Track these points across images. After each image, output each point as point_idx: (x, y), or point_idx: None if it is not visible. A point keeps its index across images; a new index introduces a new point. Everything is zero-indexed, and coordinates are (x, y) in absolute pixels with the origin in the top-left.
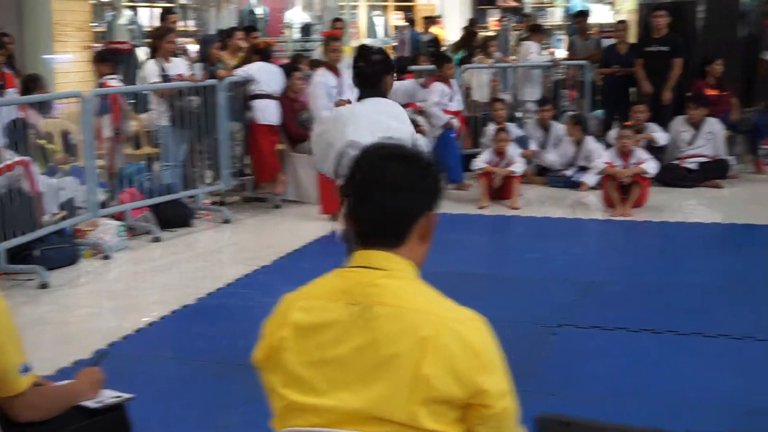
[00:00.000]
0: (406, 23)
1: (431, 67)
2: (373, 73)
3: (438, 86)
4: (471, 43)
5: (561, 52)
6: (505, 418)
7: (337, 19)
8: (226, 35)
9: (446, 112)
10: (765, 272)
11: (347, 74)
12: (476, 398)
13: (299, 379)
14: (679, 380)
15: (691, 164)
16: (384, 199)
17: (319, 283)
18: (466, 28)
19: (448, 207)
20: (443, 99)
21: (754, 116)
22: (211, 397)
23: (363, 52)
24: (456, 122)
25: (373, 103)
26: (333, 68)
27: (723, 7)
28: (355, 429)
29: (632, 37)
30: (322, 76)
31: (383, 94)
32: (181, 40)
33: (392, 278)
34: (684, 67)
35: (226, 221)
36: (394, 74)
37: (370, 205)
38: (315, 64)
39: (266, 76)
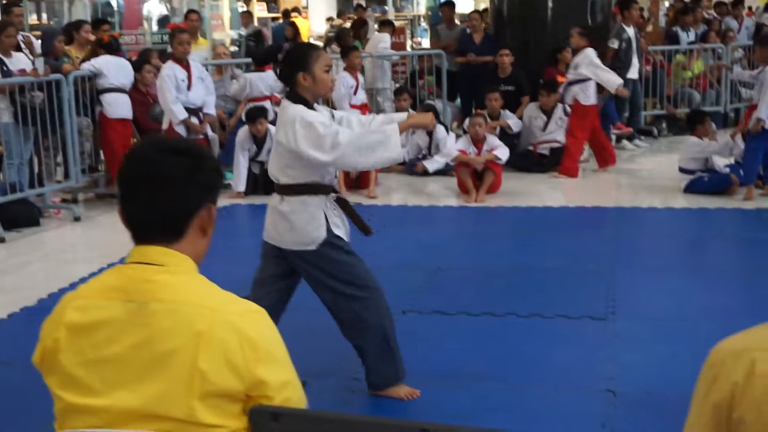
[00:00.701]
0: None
1: None
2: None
3: (345, 77)
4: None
5: (426, 42)
6: None
7: (192, 11)
8: (72, 28)
9: (351, 106)
10: (607, 253)
11: (195, 67)
12: (256, 390)
13: (76, 380)
14: (518, 360)
15: (544, 150)
16: (155, 194)
17: (95, 282)
18: (356, 19)
19: None
20: (349, 91)
21: (601, 102)
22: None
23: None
24: None
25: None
26: (181, 61)
27: None
28: (134, 428)
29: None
30: (169, 69)
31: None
32: (25, 34)
33: (169, 274)
34: (536, 54)
35: (77, 219)
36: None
37: (141, 201)
38: (166, 58)
39: (114, 69)
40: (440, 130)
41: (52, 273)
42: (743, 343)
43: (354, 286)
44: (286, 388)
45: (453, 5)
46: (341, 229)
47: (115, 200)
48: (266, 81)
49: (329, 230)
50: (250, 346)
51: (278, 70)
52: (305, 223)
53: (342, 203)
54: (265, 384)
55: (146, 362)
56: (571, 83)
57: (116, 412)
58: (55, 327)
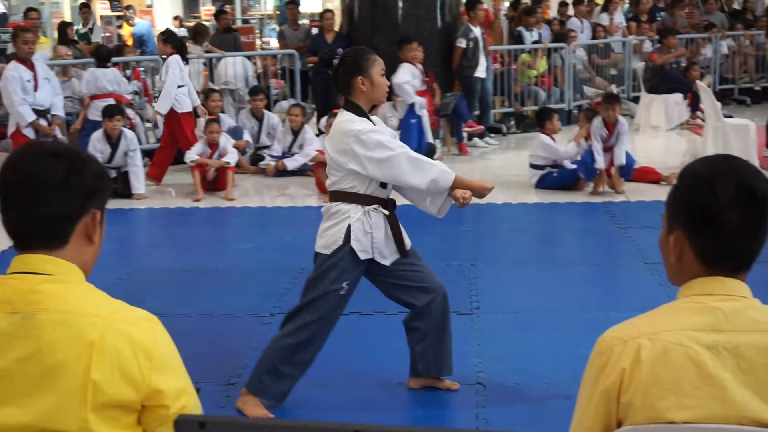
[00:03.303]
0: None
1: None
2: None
3: (407, 67)
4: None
5: (274, 42)
6: None
7: (32, 9)
8: None
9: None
10: (467, 249)
11: (41, 67)
12: (152, 399)
13: None
14: (389, 356)
15: None
16: (33, 200)
17: None
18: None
19: (164, 201)
20: (413, 80)
21: (452, 101)
22: None
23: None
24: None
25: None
26: (25, 61)
27: None
28: None
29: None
30: (13, 69)
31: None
32: None
33: (55, 282)
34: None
35: None
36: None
37: (20, 207)
38: (9, 58)
39: None
40: (308, 129)
41: None
42: (629, 331)
43: (305, 302)
44: (182, 396)
45: (297, 5)
46: (361, 244)
47: None
48: (109, 77)
49: (345, 243)
50: (145, 354)
51: (334, 76)
52: (328, 228)
53: (390, 219)
54: (162, 393)
55: (35, 376)
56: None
57: (5, 429)
58: None
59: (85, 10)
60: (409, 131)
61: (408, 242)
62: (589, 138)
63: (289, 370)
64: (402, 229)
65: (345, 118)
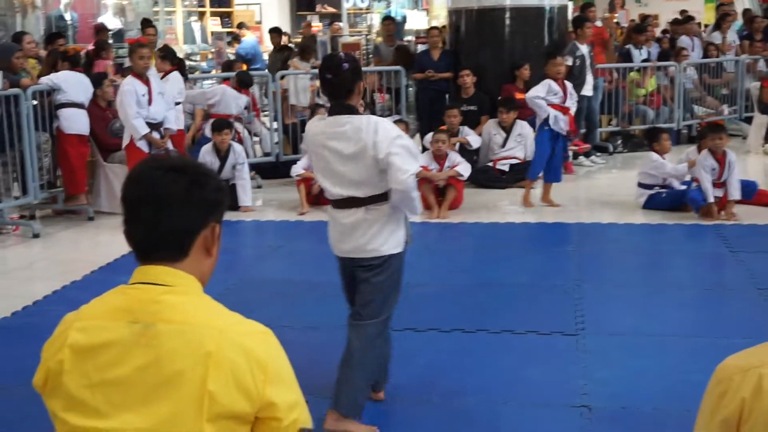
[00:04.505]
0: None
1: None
2: (341, 83)
3: (546, 82)
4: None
5: None
6: (295, 430)
7: (149, 26)
8: (13, 40)
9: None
10: (572, 269)
11: (156, 81)
12: (265, 412)
13: (81, 403)
14: (491, 377)
15: (503, 166)
16: (157, 214)
17: (99, 302)
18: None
19: (270, 214)
20: (549, 96)
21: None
22: (20, 422)
23: (330, 61)
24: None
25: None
26: (140, 76)
27: (529, 15)
28: None
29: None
30: (129, 84)
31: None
32: None
33: (175, 294)
34: (493, 71)
35: (36, 236)
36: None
37: (143, 221)
38: (126, 72)
39: (73, 84)
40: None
41: (12, 291)
42: (750, 360)
43: (389, 310)
44: (294, 409)
45: (393, 20)
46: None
47: (73, 216)
48: (240, 102)
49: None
50: (260, 367)
51: (337, 80)
52: (395, 230)
53: None
54: (275, 406)
55: (153, 384)
56: None
57: None
58: (58, 349)
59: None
60: (542, 143)
61: None
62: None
63: (372, 379)
64: None
65: (377, 119)
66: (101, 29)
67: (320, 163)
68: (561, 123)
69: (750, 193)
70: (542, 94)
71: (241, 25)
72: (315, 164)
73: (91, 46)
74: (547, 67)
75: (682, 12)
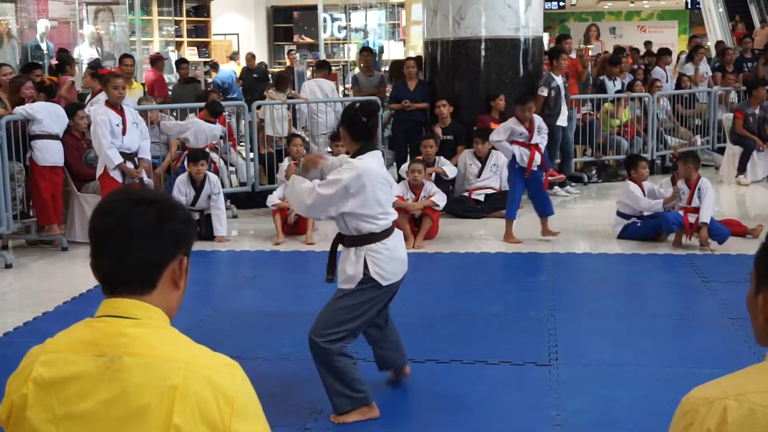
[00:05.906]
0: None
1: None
2: (374, 126)
3: (509, 122)
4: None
5: None
6: None
7: (126, 56)
8: None
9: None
10: (546, 299)
11: (129, 112)
12: None
13: None
14: (466, 407)
15: (479, 196)
16: (124, 246)
17: (64, 335)
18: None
19: (245, 244)
20: (513, 137)
21: None
22: None
23: (363, 109)
24: None
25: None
26: (114, 106)
27: (505, 46)
28: None
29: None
30: (104, 114)
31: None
32: None
33: (141, 327)
34: (468, 102)
35: (9, 266)
36: None
37: (110, 253)
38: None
39: (48, 115)
40: None
41: None
42: (715, 391)
43: None
44: None
45: (371, 51)
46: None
47: (47, 246)
48: (214, 132)
49: None
50: (226, 400)
51: (363, 124)
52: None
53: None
54: None
55: (119, 418)
56: None
57: None
58: (22, 383)
59: (185, 66)
60: (515, 183)
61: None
62: (673, 197)
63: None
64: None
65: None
66: (63, 50)
67: (388, 195)
68: (526, 159)
69: (722, 238)
70: (503, 137)
71: (234, 56)
72: (382, 198)
73: (54, 61)
74: (516, 111)
75: (647, 44)
